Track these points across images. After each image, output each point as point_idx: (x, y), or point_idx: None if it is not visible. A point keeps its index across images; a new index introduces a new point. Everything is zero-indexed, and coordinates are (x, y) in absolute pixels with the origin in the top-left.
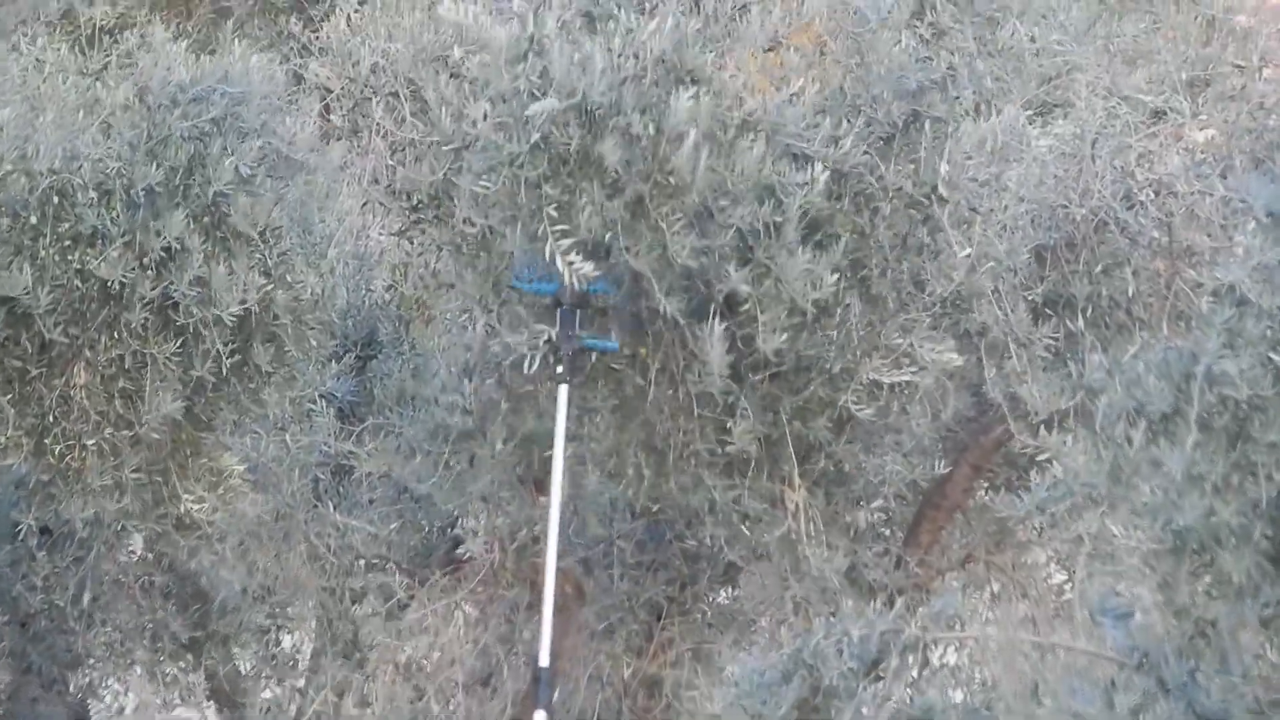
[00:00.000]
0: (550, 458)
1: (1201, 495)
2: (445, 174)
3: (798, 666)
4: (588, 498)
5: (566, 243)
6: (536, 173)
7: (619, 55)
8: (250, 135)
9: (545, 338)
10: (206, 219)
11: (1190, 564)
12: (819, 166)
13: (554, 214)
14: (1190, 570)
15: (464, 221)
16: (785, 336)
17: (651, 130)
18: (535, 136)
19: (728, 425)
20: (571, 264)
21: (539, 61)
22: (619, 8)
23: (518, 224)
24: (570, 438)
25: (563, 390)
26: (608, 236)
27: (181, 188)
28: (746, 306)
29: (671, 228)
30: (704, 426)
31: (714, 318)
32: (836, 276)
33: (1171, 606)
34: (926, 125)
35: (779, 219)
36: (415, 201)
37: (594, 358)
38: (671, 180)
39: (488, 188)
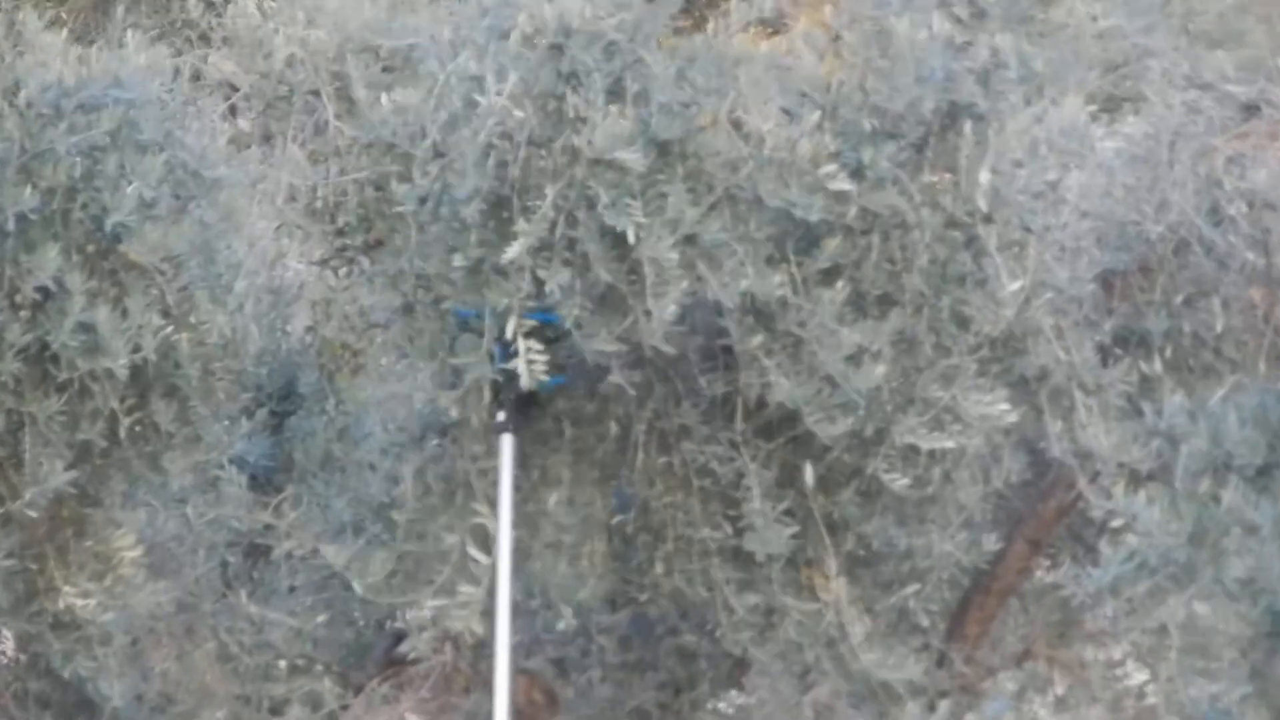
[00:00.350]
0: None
1: None
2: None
3: None
4: (560, 583)
5: (530, 323)
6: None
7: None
8: (151, 149)
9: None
10: (91, 249)
11: None
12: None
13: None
14: None
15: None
16: (849, 421)
17: (631, 237)
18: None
19: (739, 503)
20: (530, 351)
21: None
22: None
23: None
24: (537, 511)
25: (506, 441)
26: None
27: (62, 214)
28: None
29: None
30: (707, 503)
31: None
32: (883, 370)
33: (1269, 705)
34: (966, 126)
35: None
36: (342, 224)
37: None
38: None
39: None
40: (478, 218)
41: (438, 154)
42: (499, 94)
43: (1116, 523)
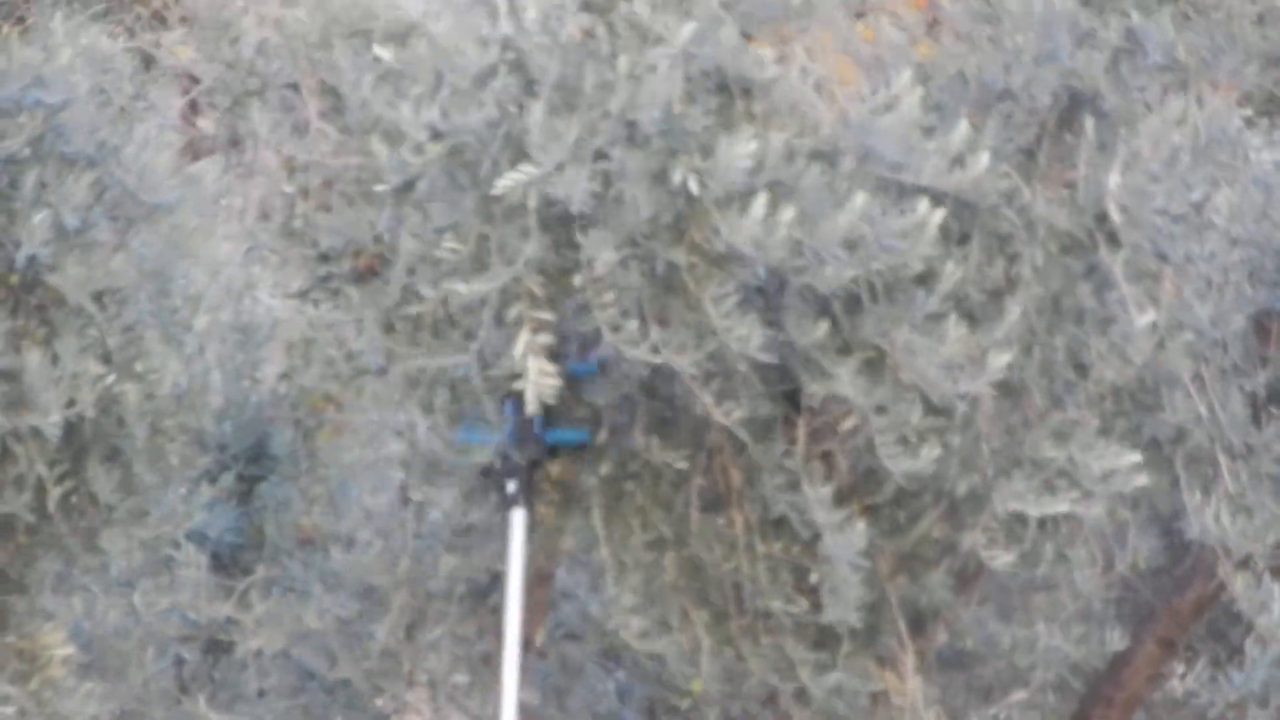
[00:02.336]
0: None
1: None
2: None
3: None
4: (582, 685)
5: (545, 338)
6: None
7: (636, 71)
8: (79, 165)
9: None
10: (15, 281)
11: None
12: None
13: (537, 291)
14: None
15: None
16: (936, 453)
17: (694, 186)
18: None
19: (811, 575)
20: (541, 371)
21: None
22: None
23: (484, 305)
24: (561, 591)
25: (517, 517)
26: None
27: None
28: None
29: (721, 310)
30: (776, 571)
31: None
32: (1008, 358)
33: None
34: (1089, 125)
35: (887, 282)
36: (325, 247)
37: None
38: (717, 247)
39: (456, 250)
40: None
41: (436, 134)
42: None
43: (1263, 618)
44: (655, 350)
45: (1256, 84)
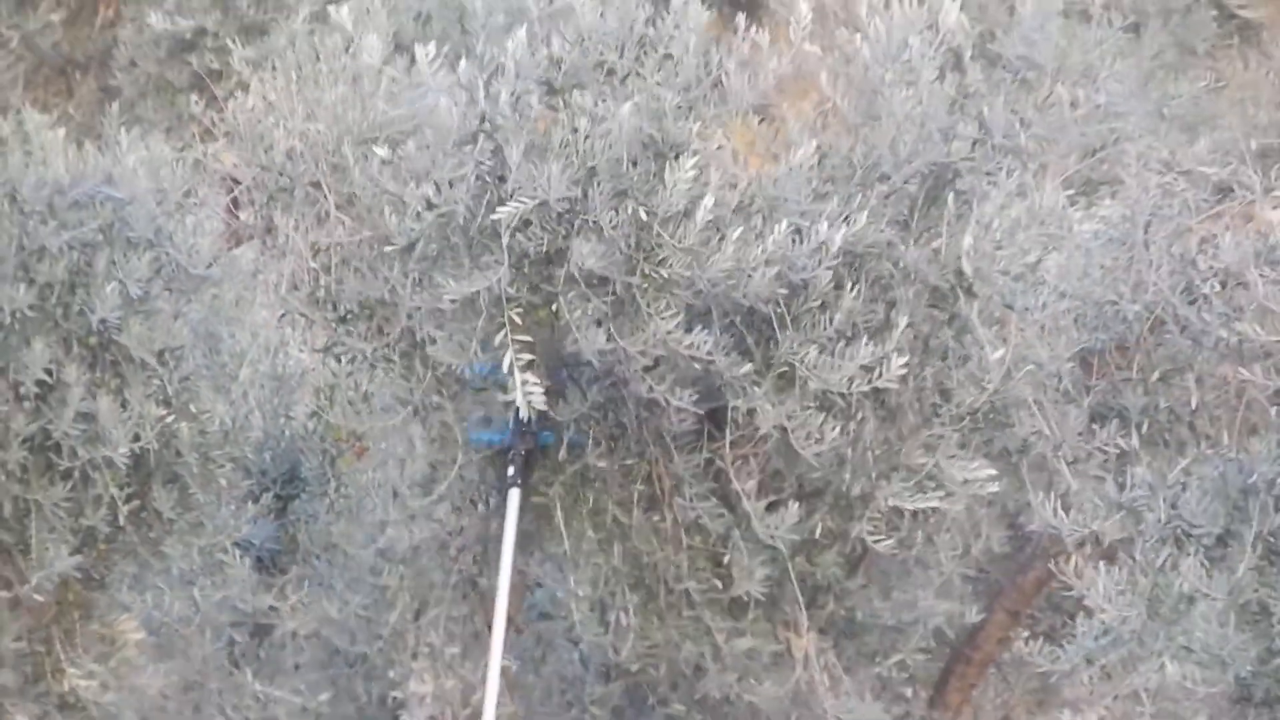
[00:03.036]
0: None
1: (1259, 634)
2: (387, 281)
3: None
4: (553, 654)
5: (526, 358)
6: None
7: (586, 138)
8: (141, 246)
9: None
10: (94, 341)
11: (1258, 715)
12: (830, 241)
13: (517, 319)
14: None
15: (406, 333)
16: (827, 450)
17: (643, 215)
18: (504, 239)
19: (724, 559)
20: (525, 383)
21: (490, 143)
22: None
23: (474, 336)
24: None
25: (513, 495)
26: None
27: (59, 308)
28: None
29: (666, 322)
30: (696, 560)
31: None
32: (904, 367)
33: None
34: (950, 200)
35: (800, 309)
36: (344, 311)
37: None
38: (663, 273)
39: (454, 302)
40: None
41: (430, 205)
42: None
43: (1089, 595)
44: (611, 340)
45: (1077, 170)
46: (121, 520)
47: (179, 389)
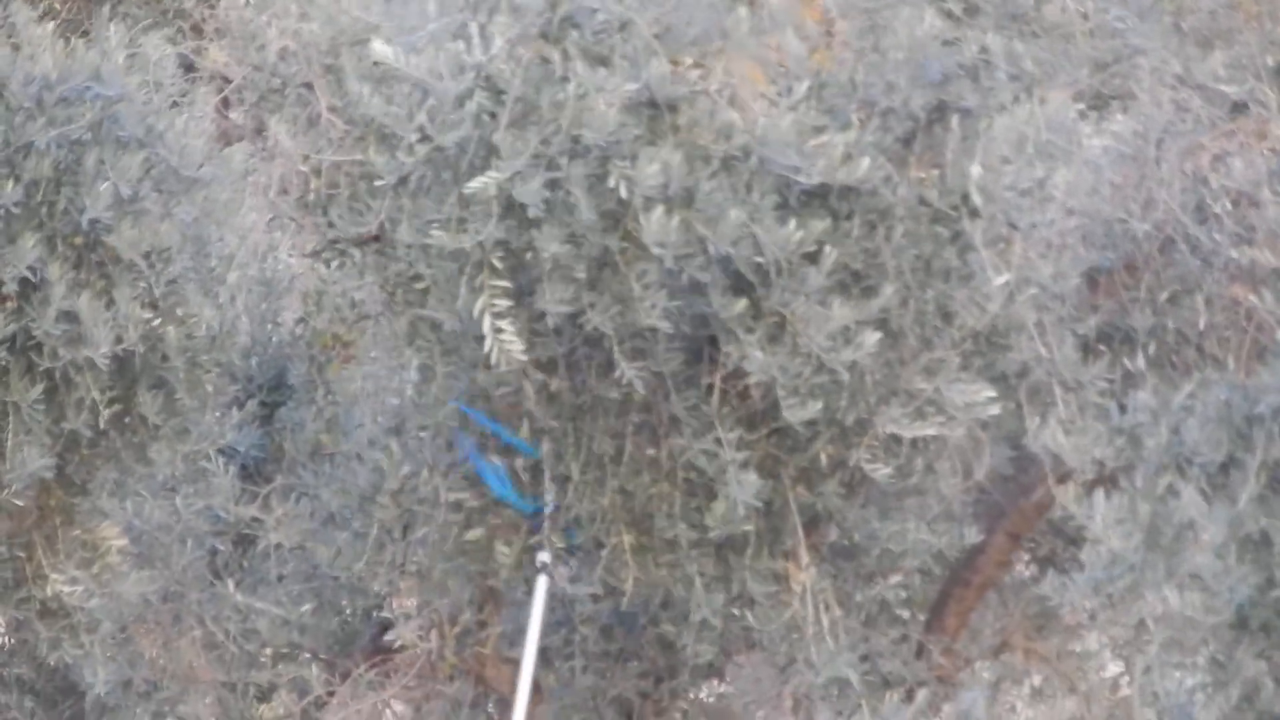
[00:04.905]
0: None
1: (1259, 565)
2: (381, 216)
3: None
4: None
5: (503, 304)
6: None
7: (582, 96)
8: (131, 146)
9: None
10: (78, 241)
11: (1253, 644)
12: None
13: (497, 264)
14: (1256, 653)
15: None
16: (819, 405)
17: (624, 191)
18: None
19: (718, 493)
20: (500, 332)
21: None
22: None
23: (461, 278)
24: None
25: (542, 582)
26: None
27: (44, 206)
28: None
29: (641, 284)
30: (690, 497)
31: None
32: (879, 336)
33: (1229, 690)
34: (954, 121)
35: (789, 261)
36: (334, 216)
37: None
38: (643, 236)
39: (442, 233)
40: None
41: (424, 137)
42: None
43: (1088, 521)
44: (584, 312)
45: (1088, 85)
46: (102, 424)
47: (166, 291)
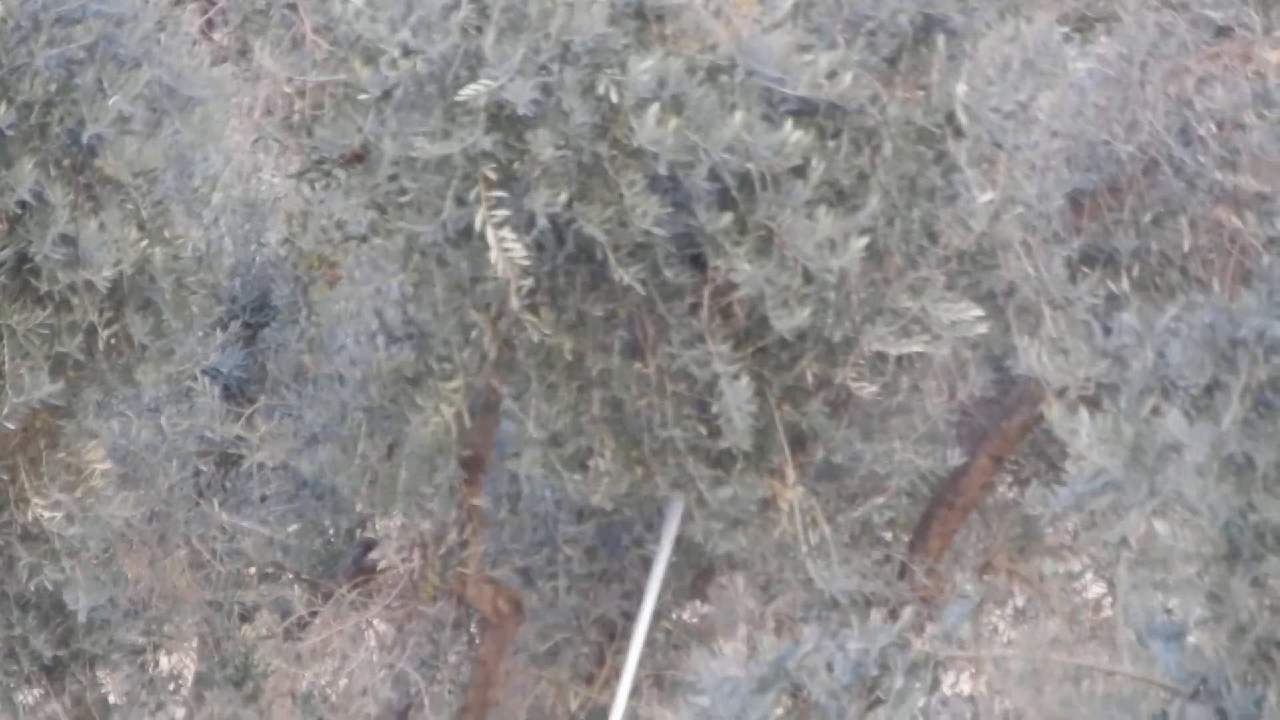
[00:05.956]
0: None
1: (1240, 487)
2: (363, 130)
3: (779, 678)
4: (528, 493)
5: (500, 214)
6: (477, 137)
7: (570, 3)
8: (128, 65)
9: None
10: (66, 163)
11: (1246, 572)
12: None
13: (491, 176)
14: (1250, 579)
15: (388, 179)
16: (808, 312)
17: (614, 96)
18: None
19: (711, 408)
20: (503, 241)
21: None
22: None
23: (450, 189)
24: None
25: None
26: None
27: (39, 128)
28: (720, 264)
29: (633, 191)
30: (681, 407)
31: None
32: (867, 240)
33: (1225, 622)
34: (940, 40)
35: (775, 175)
36: (318, 137)
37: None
38: (633, 142)
39: (427, 149)
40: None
41: (409, 50)
42: None
43: (1075, 440)
44: (574, 222)
45: (1072, 7)
46: (101, 346)
47: (153, 213)
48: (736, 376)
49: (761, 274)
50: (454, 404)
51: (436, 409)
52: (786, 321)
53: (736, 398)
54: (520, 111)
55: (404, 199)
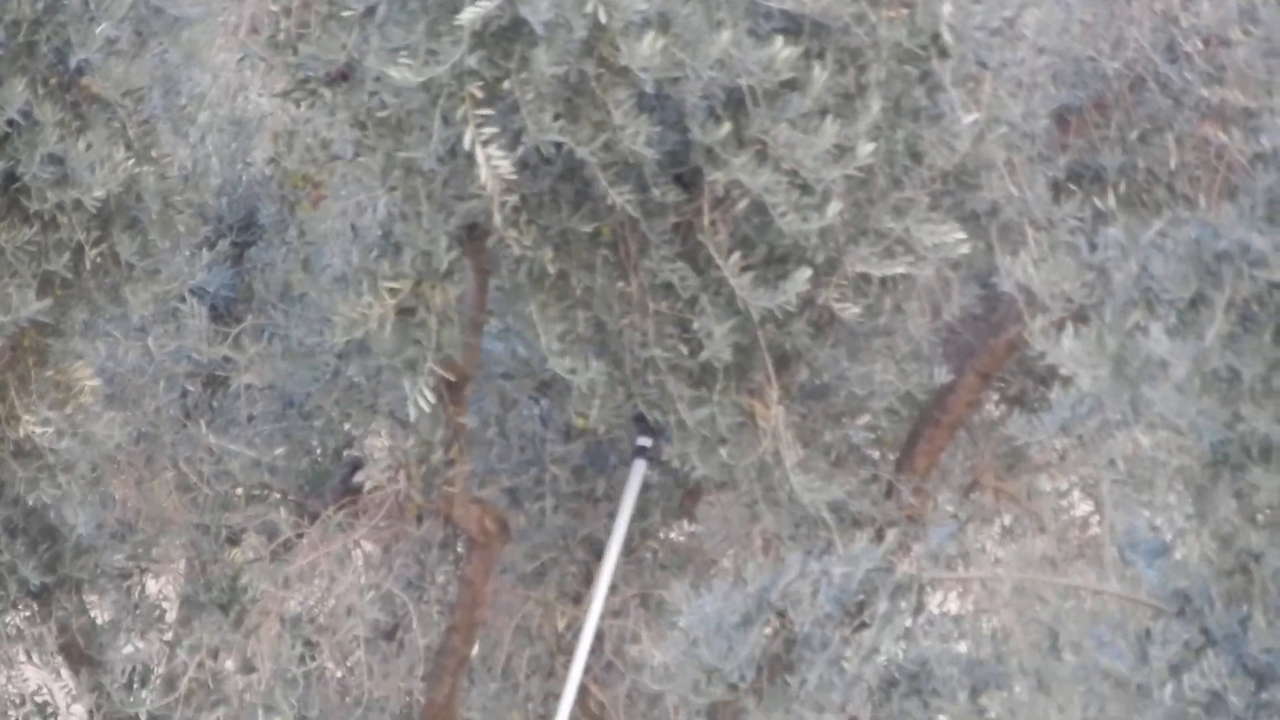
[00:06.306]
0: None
1: (1225, 401)
2: (347, 47)
3: (763, 610)
4: (514, 412)
5: (488, 131)
6: (462, 54)
7: None
8: None
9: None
10: (54, 82)
11: (1229, 484)
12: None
13: (478, 94)
14: (1233, 492)
15: (370, 95)
16: (833, 210)
17: (602, 16)
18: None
19: (693, 325)
20: (490, 159)
21: None
22: None
23: (436, 108)
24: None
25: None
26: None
27: (27, 47)
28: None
29: (621, 110)
30: (663, 325)
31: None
32: (872, 147)
33: (1208, 534)
34: None
35: (767, 89)
36: (304, 56)
37: None
38: (621, 61)
39: (408, 65)
40: None
41: None
42: None
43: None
44: (564, 137)
45: None
46: (88, 265)
47: (140, 132)
48: (719, 293)
49: (761, 183)
50: (442, 320)
51: (424, 327)
52: (800, 227)
53: (757, 298)
54: (533, 29)
55: (384, 114)
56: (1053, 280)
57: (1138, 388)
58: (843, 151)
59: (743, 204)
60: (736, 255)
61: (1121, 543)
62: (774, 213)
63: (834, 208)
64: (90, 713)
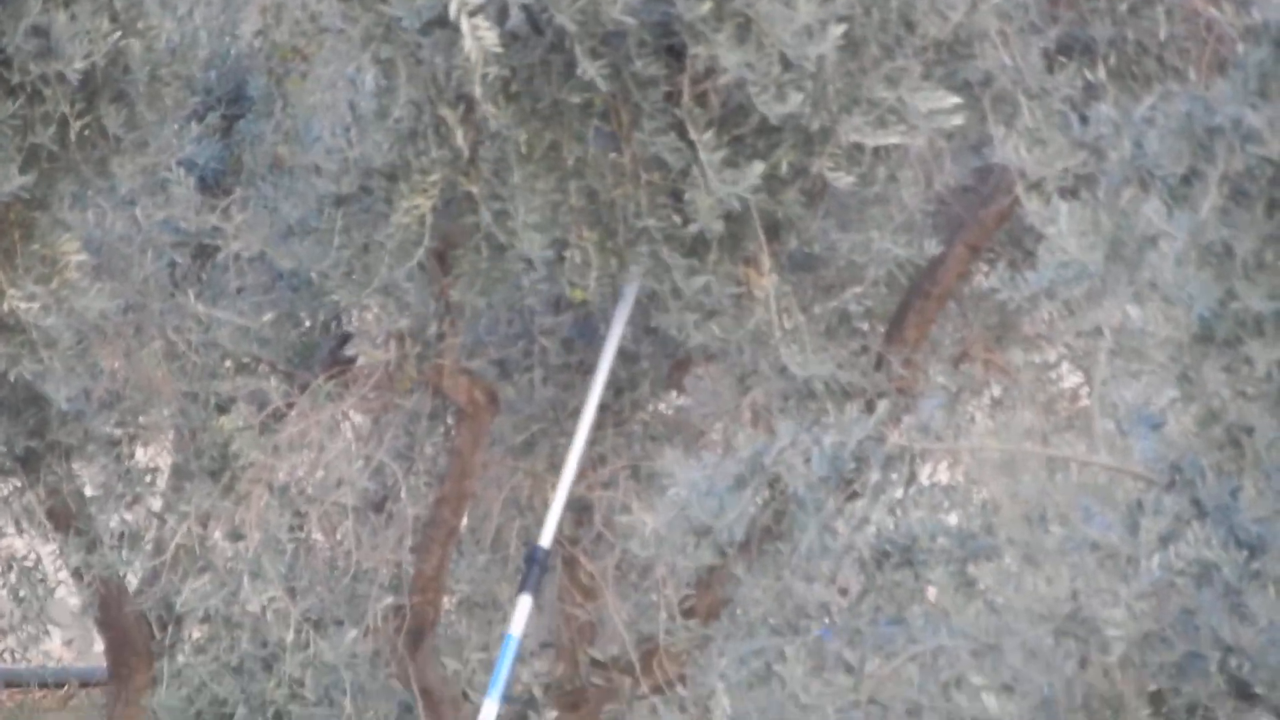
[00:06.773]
0: None
1: (1220, 275)
2: None
3: (755, 473)
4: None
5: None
6: None
7: None
8: None
9: None
10: None
11: (1220, 357)
12: None
13: None
14: (1223, 365)
15: None
16: (800, 99)
17: None
18: None
19: (684, 196)
20: (476, 29)
21: None
22: None
23: None
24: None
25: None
26: None
27: None
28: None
29: None
30: (655, 195)
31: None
32: (845, 29)
33: (1196, 406)
34: None
35: None
36: None
37: None
38: None
39: None
40: None
41: None
42: None
43: (1051, 229)
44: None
45: None
46: (72, 138)
47: (126, 4)
48: (726, 162)
49: (743, 59)
50: (431, 197)
51: (415, 203)
52: (775, 108)
53: (732, 184)
54: None
55: None
56: (1046, 156)
57: (1137, 268)
58: (824, 27)
59: (724, 79)
60: (711, 133)
61: (1113, 414)
62: (750, 90)
63: (796, 99)
64: (78, 572)
